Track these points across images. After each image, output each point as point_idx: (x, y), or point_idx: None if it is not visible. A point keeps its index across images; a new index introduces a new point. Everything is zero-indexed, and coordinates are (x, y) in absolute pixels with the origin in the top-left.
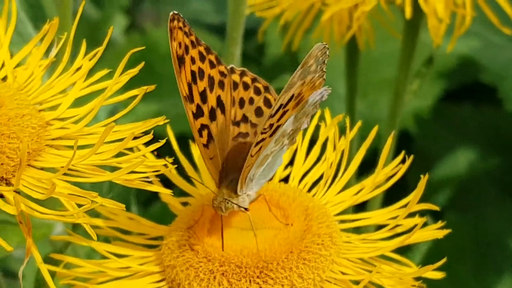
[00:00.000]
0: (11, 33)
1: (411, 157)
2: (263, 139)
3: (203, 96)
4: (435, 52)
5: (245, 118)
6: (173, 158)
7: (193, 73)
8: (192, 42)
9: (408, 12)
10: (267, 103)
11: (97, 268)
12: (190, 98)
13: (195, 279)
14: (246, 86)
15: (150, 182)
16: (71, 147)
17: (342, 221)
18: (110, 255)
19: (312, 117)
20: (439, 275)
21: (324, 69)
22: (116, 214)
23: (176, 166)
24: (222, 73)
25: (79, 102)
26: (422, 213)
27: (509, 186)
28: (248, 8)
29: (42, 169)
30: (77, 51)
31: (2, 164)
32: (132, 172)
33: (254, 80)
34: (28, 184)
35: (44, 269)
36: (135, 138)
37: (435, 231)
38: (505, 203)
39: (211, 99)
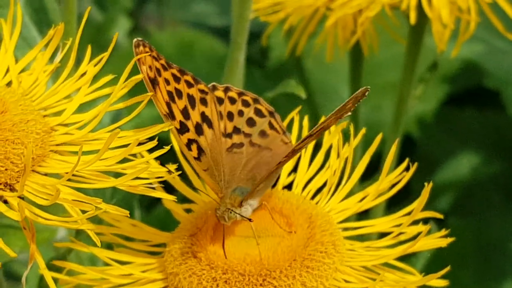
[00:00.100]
0: (16, 38)
1: (415, 164)
2: (283, 162)
3: (185, 113)
4: (439, 57)
5: (237, 130)
6: (177, 164)
7: (169, 93)
8: (163, 65)
9: (413, 17)
10: (259, 113)
11: (99, 275)
12: (171, 115)
13: (198, 286)
14: (232, 100)
15: (153, 188)
16: (75, 152)
17: (346, 229)
18: (113, 262)
19: None
20: (442, 283)
21: (356, 105)
22: (119, 220)
23: (180, 172)
24: (202, 91)
25: (83, 107)
26: (427, 220)
27: None
28: (252, 13)
29: (46, 175)
30: (81, 55)
31: (6, 169)
32: (136, 178)
33: (240, 94)
34: (32, 190)
35: (48, 275)
36: (140, 143)
37: (438, 240)
38: (508, 208)
39: (194, 115)
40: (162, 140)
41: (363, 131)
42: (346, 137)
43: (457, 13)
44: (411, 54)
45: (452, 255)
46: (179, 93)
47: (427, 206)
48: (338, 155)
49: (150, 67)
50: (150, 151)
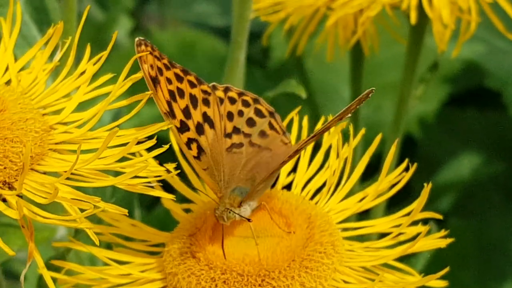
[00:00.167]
0: (16, 36)
1: (415, 164)
2: (285, 161)
3: (186, 112)
4: (440, 57)
5: (236, 130)
6: (176, 163)
7: (171, 92)
8: (165, 65)
9: (413, 17)
10: (259, 113)
11: (98, 275)
12: (171, 114)
13: (197, 286)
14: (232, 100)
15: (152, 187)
16: (74, 151)
17: (345, 229)
18: (111, 262)
19: None
20: (442, 283)
21: (357, 108)
22: (118, 220)
23: (179, 171)
24: (205, 92)
25: (83, 106)
26: (427, 220)
27: None
28: (252, 12)
29: (45, 173)
30: (82, 54)
31: (5, 168)
32: (135, 177)
33: (240, 94)
34: (31, 188)
35: (47, 274)
36: (139, 142)
37: (438, 240)
38: (509, 208)
39: (195, 115)
40: (162, 139)
41: (362, 131)
42: (346, 137)
43: (458, 13)
44: (412, 54)
45: (452, 255)
46: (181, 93)
47: (428, 207)
48: (338, 155)
49: (151, 66)
50: (149, 150)
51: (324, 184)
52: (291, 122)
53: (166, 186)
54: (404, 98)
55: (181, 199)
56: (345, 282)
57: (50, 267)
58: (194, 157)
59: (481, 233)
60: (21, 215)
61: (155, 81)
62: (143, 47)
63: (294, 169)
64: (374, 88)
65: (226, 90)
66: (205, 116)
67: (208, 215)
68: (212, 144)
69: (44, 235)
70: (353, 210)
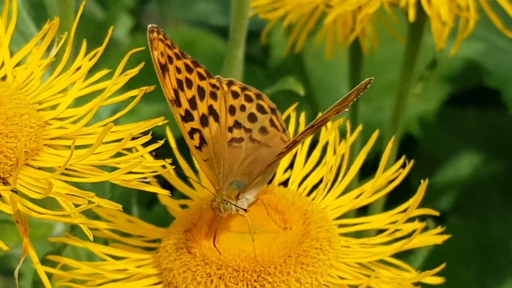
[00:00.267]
0: (11, 32)
1: (412, 161)
2: (283, 153)
3: (192, 102)
4: (439, 55)
5: (237, 124)
6: (172, 159)
7: (179, 81)
8: (176, 54)
9: (412, 15)
10: (261, 109)
11: (94, 270)
12: (177, 102)
13: (192, 282)
14: (235, 95)
15: (148, 183)
16: (69, 147)
17: (341, 226)
18: (107, 257)
19: None
20: (438, 280)
21: (355, 100)
22: (114, 216)
23: (176, 168)
24: (213, 86)
25: (81, 102)
26: (424, 217)
27: None
28: (251, 10)
29: (40, 168)
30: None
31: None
32: (130, 172)
33: (244, 88)
34: (25, 183)
35: (41, 269)
36: (135, 138)
37: (434, 237)
38: (508, 207)
39: (201, 106)
40: (159, 136)
41: (360, 127)
42: (344, 135)
43: (456, 11)
44: (410, 52)
45: (452, 254)
46: (189, 83)
47: (428, 206)
48: (335, 152)
49: (161, 53)
50: (145, 146)
51: (321, 181)
52: (290, 119)
53: (166, 185)
54: (403, 96)
55: (181, 196)
56: (341, 278)
57: (46, 262)
58: (196, 147)
59: (481, 232)
60: (15, 210)
61: (164, 68)
62: (155, 34)
63: (291, 166)
64: (372, 78)
65: (230, 84)
66: (211, 109)
67: (204, 210)
68: (215, 137)
69: (42, 232)
70: (350, 207)
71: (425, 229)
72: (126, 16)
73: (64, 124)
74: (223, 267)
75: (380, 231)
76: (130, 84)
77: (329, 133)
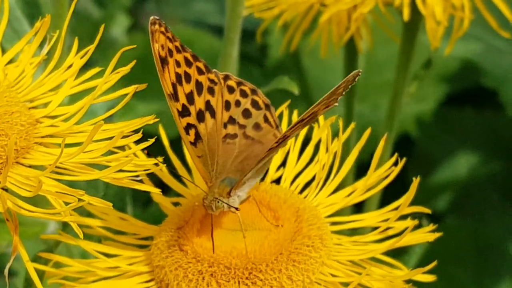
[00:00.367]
0: (3, 29)
1: (404, 159)
2: (273, 148)
3: (190, 97)
4: (436, 55)
5: (232, 120)
6: (164, 157)
7: (178, 75)
8: (177, 47)
9: (406, 14)
10: (255, 105)
11: (85, 268)
12: (175, 96)
13: (184, 279)
14: (231, 89)
15: (140, 181)
16: (60, 145)
17: (334, 223)
18: (99, 255)
19: None
20: (430, 278)
21: (344, 93)
22: (107, 213)
23: (169, 166)
24: (212, 81)
25: (75, 100)
26: (420, 217)
27: (510, 191)
28: (247, 9)
29: (30, 166)
30: (79, 51)
31: None
32: (122, 171)
33: (239, 83)
34: (15, 181)
35: (31, 267)
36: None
37: (426, 234)
38: (506, 207)
39: (199, 102)
40: (153, 135)
41: (352, 125)
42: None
43: (451, 10)
44: (405, 52)
45: (449, 254)
46: (188, 77)
47: (425, 205)
48: (327, 150)
49: (162, 46)
50: (138, 144)
51: (313, 179)
52: (283, 117)
53: (161, 182)
54: (398, 95)
55: (176, 194)
56: (333, 275)
57: (37, 261)
58: (191, 142)
59: (478, 232)
60: (5, 208)
61: (164, 61)
62: (157, 26)
63: (283, 164)
64: (360, 70)
65: (226, 78)
66: (208, 104)
67: (196, 208)
68: (210, 133)
69: (35, 231)
70: (342, 205)
71: (420, 227)
72: (123, 15)
73: (55, 122)
74: (214, 264)
75: (375, 229)
76: (129, 83)
77: (321, 130)
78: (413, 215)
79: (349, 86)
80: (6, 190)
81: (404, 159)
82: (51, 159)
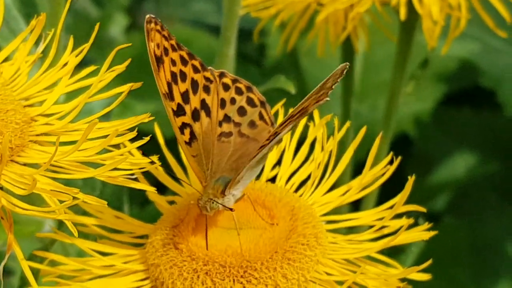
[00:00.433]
0: None
1: (399, 157)
2: (264, 145)
3: (185, 96)
4: (434, 55)
5: (227, 118)
6: (160, 156)
7: (173, 74)
8: (172, 46)
9: (403, 13)
10: (251, 102)
11: (81, 266)
12: (170, 96)
13: (179, 278)
14: (226, 87)
15: (135, 179)
16: (55, 143)
17: (329, 222)
18: (94, 253)
19: None
20: (425, 276)
21: (333, 87)
22: (102, 212)
23: (164, 165)
24: (207, 79)
25: (72, 98)
26: (417, 216)
27: (508, 191)
28: (244, 9)
29: (25, 164)
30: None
31: None
32: (117, 169)
33: (234, 81)
34: (10, 179)
35: (26, 266)
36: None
37: (421, 233)
38: (503, 208)
39: (194, 100)
40: (150, 133)
41: (347, 124)
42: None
43: (448, 10)
44: (402, 51)
45: (447, 254)
46: (183, 76)
47: (423, 205)
48: (323, 148)
49: (158, 44)
50: (132, 143)
51: (308, 177)
52: (279, 115)
53: (158, 182)
54: (395, 95)
55: (172, 193)
56: (328, 274)
57: (33, 259)
58: (185, 142)
59: (476, 232)
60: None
61: (159, 60)
62: (152, 24)
63: (279, 162)
64: (348, 64)
65: (221, 75)
66: (203, 103)
67: (191, 206)
68: (205, 132)
69: (30, 230)
70: (337, 203)
71: (416, 226)
72: (121, 15)
73: (50, 120)
74: (209, 262)
75: (371, 227)
76: (127, 83)
77: (317, 129)
78: (411, 215)
79: (338, 80)
80: (1, 188)
81: (399, 158)
82: (46, 157)
